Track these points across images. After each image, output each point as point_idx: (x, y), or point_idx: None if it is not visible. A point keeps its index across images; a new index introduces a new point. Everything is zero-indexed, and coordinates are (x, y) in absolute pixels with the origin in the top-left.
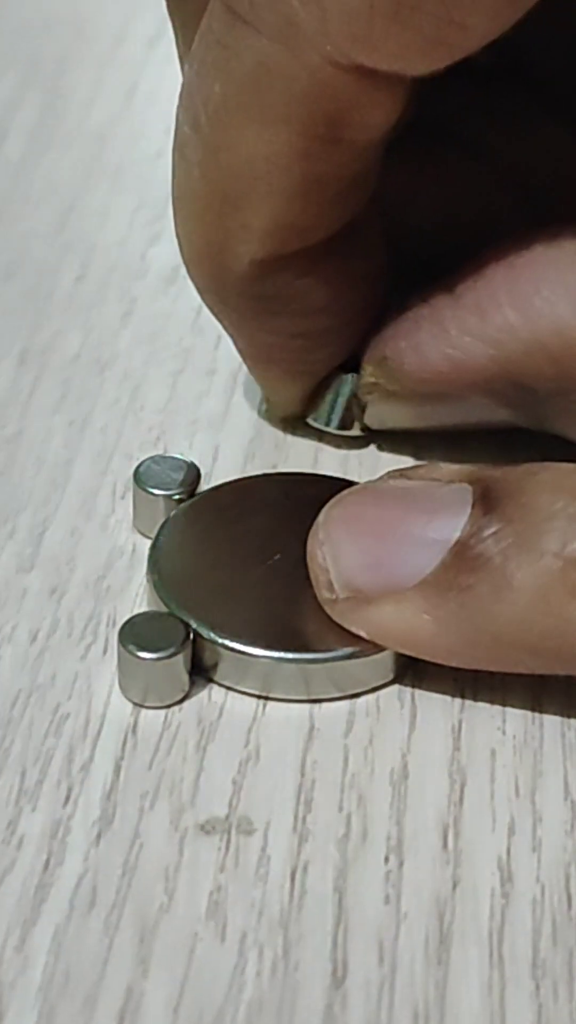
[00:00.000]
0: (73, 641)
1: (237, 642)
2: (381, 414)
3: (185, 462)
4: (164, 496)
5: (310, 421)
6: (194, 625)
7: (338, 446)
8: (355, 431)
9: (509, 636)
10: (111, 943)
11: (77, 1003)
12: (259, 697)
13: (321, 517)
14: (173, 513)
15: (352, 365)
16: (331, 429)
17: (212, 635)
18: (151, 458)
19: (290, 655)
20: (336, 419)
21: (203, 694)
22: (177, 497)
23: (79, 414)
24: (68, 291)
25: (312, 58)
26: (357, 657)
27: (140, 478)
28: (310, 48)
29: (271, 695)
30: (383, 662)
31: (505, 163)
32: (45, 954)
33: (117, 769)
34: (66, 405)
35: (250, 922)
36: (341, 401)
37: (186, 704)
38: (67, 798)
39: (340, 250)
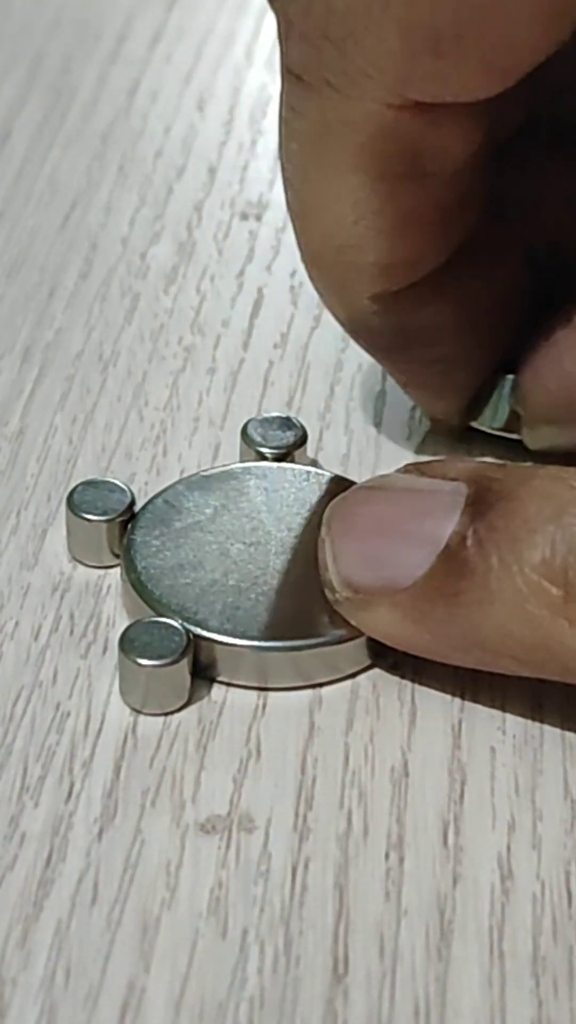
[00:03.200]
0: (75, 639)
1: (229, 636)
2: (530, 437)
3: (119, 486)
4: (101, 522)
5: (475, 425)
6: (185, 624)
7: (494, 447)
8: (520, 435)
9: (493, 645)
10: (113, 939)
11: (79, 999)
12: (258, 689)
13: (325, 515)
14: (143, 508)
15: (512, 366)
16: (496, 431)
17: (203, 632)
18: (85, 483)
19: (283, 644)
20: (501, 420)
21: (203, 693)
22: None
23: (81, 411)
24: (71, 289)
25: (368, 105)
26: (348, 640)
27: (74, 505)
28: (362, 95)
29: (268, 685)
30: (368, 643)
31: None
32: (47, 950)
33: (118, 767)
34: (68, 402)
35: (251, 918)
36: (504, 403)
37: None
38: (69, 795)
39: (461, 273)
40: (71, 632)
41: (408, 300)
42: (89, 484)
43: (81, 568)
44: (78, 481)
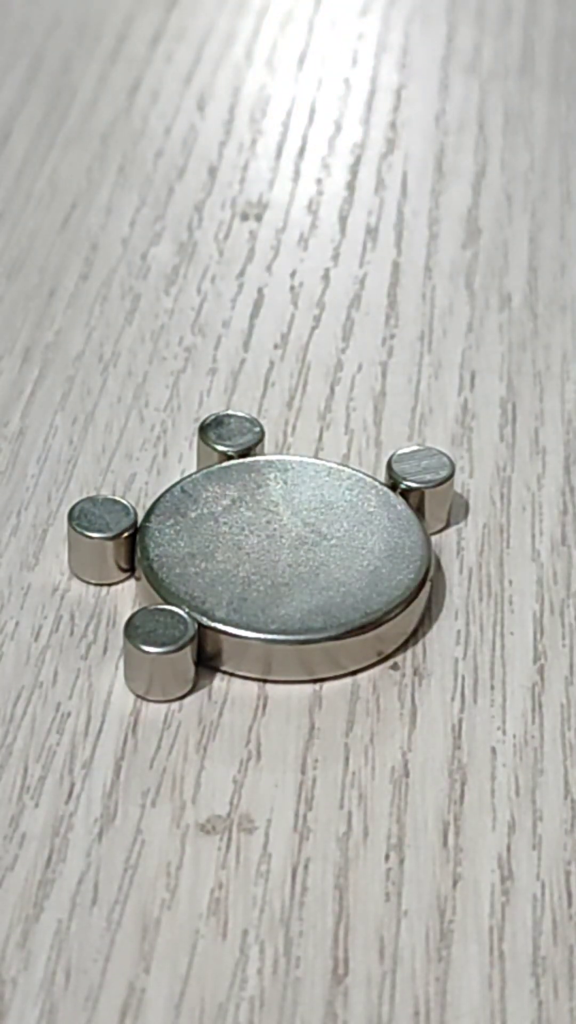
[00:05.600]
0: (75, 639)
1: (234, 627)
2: None
3: (120, 503)
4: (101, 539)
5: None
6: (193, 614)
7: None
8: None
9: None
10: (113, 940)
11: (79, 999)
12: (261, 681)
13: None
14: (158, 499)
15: None
16: None
17: (208, 622)
18: (86, 499)
19: (287, 637)
20: None
21: (207, 682)
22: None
23: (82, 412)
24: (71, 290)
25: None
26: (351, 636)
27: (75, 521)
28: None
29: (270, 677)
30: (373, 641)
31: None
32: (47, 951)
33: (118, 767)
34: (69, 403)
35: (251, 919)
36: None
37: (187, 702)
38: (69, 795)
39: None
40: (71, 632)
41: None
42: (90, 501)
43: None
44: (78, 482)
